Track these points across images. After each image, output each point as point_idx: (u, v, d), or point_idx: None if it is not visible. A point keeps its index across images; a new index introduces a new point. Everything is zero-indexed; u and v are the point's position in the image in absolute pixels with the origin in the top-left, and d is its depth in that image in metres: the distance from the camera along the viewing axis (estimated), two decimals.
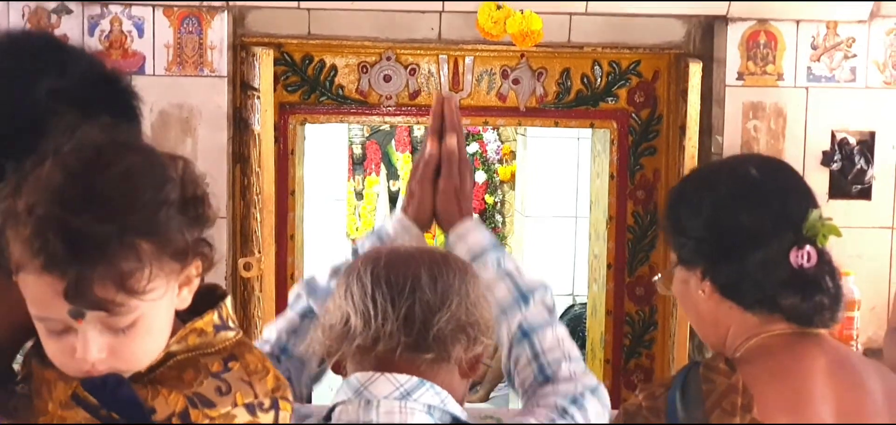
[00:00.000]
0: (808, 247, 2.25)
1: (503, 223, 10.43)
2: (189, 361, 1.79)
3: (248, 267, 4.75)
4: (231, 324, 1.86)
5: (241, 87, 5.12)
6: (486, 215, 10.43)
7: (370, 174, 10.57)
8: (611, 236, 5.52)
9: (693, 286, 2.36)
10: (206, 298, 1.85)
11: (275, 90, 5.12)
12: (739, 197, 2.32)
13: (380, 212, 10.62)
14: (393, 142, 10.69)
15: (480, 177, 10.41)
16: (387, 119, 5.55)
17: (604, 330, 5.61)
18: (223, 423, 1.75)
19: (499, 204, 10.51)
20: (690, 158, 4.81)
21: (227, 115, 4.98)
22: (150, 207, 1.69)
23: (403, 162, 10.61)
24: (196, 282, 1.80)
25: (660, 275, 2.58)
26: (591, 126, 5.50)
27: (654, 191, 5.47)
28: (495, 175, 10.47)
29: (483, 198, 10.43)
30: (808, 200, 2.34)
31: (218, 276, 4.86)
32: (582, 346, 7.15)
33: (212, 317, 1.83)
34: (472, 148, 10.38)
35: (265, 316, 4.70)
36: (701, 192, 2.37)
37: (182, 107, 4.95)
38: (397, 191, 10.61)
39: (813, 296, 2.26)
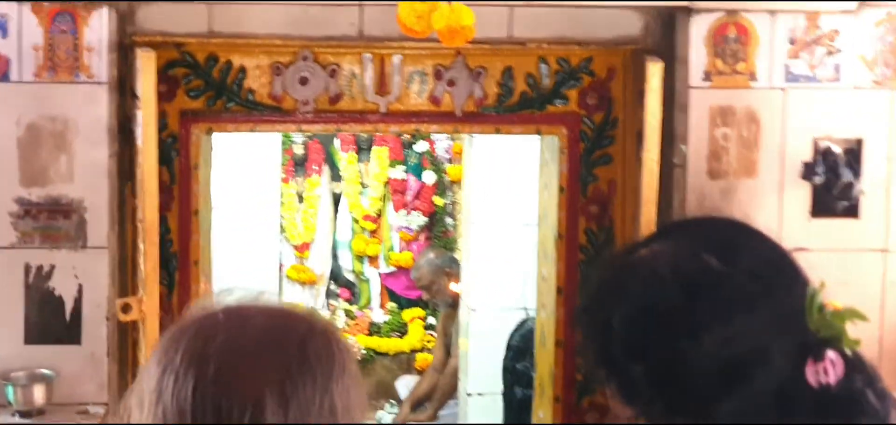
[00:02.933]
0: (828, 354, 1.56)
1: (454, 226, 10.10)
2: None
3: (126, 309, 4.11)
4: None
5: (131, 95, 4.51)
6: (436, 218, 10.13)
7: (312, 175, 10.04)
8: (560, 256, 5.12)
9: None
10: None
11: (175, 96, 4.78)
12: (696, 310, 1.60)
13: (322, 216, 10.15)
14: (336, 141, 10.16)
15: (430, 177, 10.12)
16: (304, 127, 5.06)
17: (553, 363, 5.19)
18: None
19: (449, 205, 10.21)
20: (650, 173, 4.29)
21: (107, 128, 4.41)
22: None
23: (348, 162, 10.18)
24: None
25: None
26: (538, 132, 5.11)
27: (610, 205, 5.06)
28: (445, 175, 10.18)
29: (432, 201, 10.12)
30: (798, 276, 1.65)
31: (96, 320, 4.23)
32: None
33: None
34: (421, 146, 10.08)
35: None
36: (642, 311, 1.65)
37: (55, 119, 4.41)
38: (341, 194, 10.19)
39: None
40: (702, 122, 4.61)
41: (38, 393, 4.32)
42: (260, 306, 1.67)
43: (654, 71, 4.43)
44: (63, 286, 4.39)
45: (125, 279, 4.60)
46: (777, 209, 4.63)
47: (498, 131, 5.06)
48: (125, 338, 4.60)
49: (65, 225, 4.33)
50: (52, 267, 4.37)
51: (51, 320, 4.38)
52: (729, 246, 1.66)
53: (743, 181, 4.60)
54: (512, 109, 4.98)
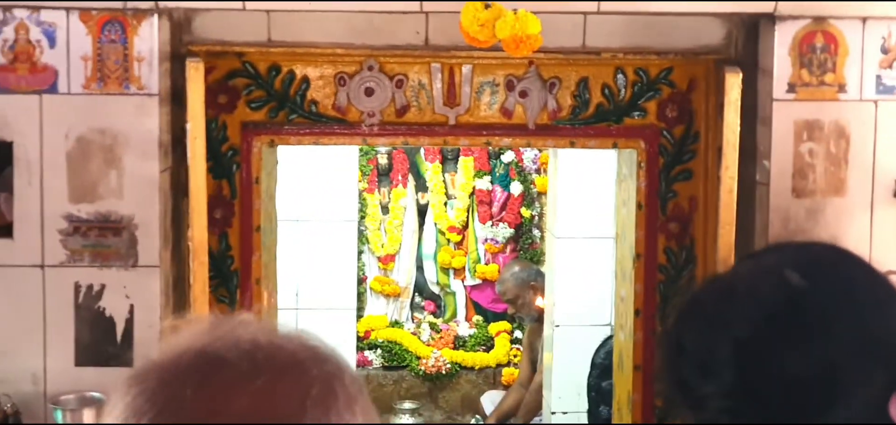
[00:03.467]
0: None
1: (541, 238, 9.92)
2: None
3: (175, 330, 3.90)
4: None
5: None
6: (523, 230, 9.97)
7: (397, 186, 9.94)
8: (639, 276, 4.94)
9: None
10: None
11: (236, 107, 4.64)
12: (778, 329, 1.45)
13: (407, 228, 10.04)
14: (422, 151, 10.08)
15: (517, 188, 9.94)
16: (369, 140, 4.89)
17: (632, 389, 5.02)
18: None
19: (537, 217, 10.03)
20: (728, 192, 4.04)
21: (159, 141, 4.24)
22: None
23: (433, 172, 10.05)
24: None
25: None
26: (615, 146, 4.93)
27: (690, 223, 4.85)
28: (533, 186, 10.00)
29: (519, 212, 9.94)
30: (891, 299, 1.48)
31: (149, 341, 4.08)
32: None
33: None
34: (508, 157, 9.91)
35: None
36: (715, 329, 1.51)
37: (104, 132, 4.25)
38: (426, 204, 10.07)
39: None
40: (786, 137, 4.36)
41: (88, 417, 4.17)
42: (252, 358, 1.25)
43: (733, 82, 4.20)
44: (114, 306, 4.23)
45: (181, 299, 4.45)
46: (867, 230, 4.35)
47: (572, 145, 4.88)
48: None
49: (115, 242, 4.17)
50: (103, 286, 4.21)
51: (101, 341, 4.23)
52: (816, 266, 1.53)
53: (830, 200, 4.31)
54: (587, 122, 4.80)
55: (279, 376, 1.24)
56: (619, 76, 4.75)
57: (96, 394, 4.22)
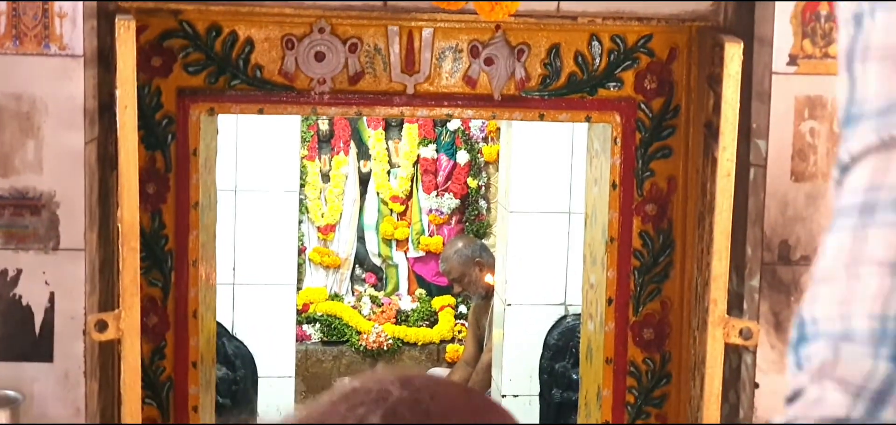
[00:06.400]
0: None
1: (488, 210, 9.86)
2: None
3: (101, 326, 3.49)
4: None
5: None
6: (469, 201, 9.83)
7: (338, 153, 9.74)
8: (611, 262, 4.64)
9: None
10: None
11: (171, 71, 4.31)
12: None
13: (349, 197, 9.85)
14: (364, 117, 9.67)
15: (463, 157, 9.82)
16: (320, 110, 4.57)
17: (602, 383, 4.70)
18: None
19: (483, 187, 9.93)
20: (725, 175, 3.67)
21: (84, 109, 3.80)
22: None
23: (375, 140, 9.89)
24: None
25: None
26: (588, 119, 4.62)
27: (669, 205, 4.57)
28: (480, 155, 9.88)
29: (465, 182, 9.82)
30: None
31: (71, 334, 3.65)
32: (575, 363, 6.34)
33: None
34: (454, 124, 9.75)
35: (127, 394, 3.45)
36: None
37: (21, 97, 3.76)
38: (369, 173, 9.89)
39: None
40: (786, 115, 4.01)
41: (3, 419, 3.73)
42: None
43: (733, 53, 3.83)
44: (31, 294, 3.75)
45: (108, 286, 4.01)
46: None
47: (542, 118, 4.58)
48: (108, 354, 4.00)
49: (33, 222, 3.70)
50: (19, 271, 3.73)
51: (17, 334, 3.75)
52: None
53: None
54: (559, 93, 4.50)
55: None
56: (594, 43, 4.45)
57: (11, 393, 3.77)
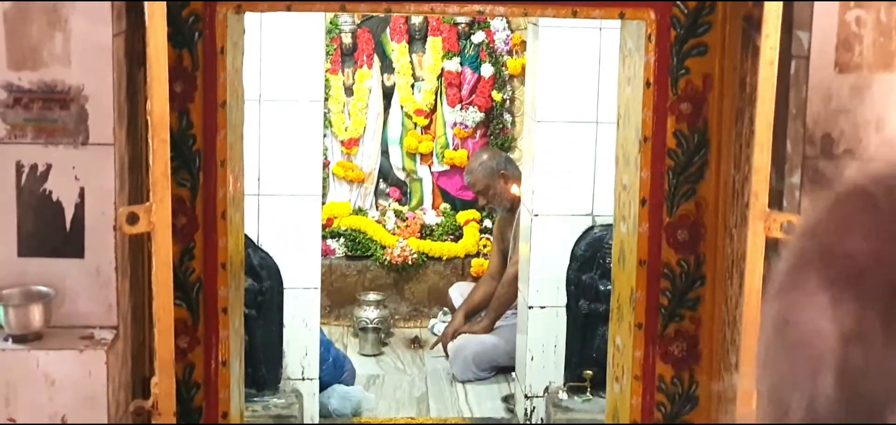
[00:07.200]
0: None
1: (513, 123, 9.65)
2: None
3: (133, 219, 3.42)
4: None
5: None
6: (493, 114, 9.61)
7: (361, 67, 9.53)
8: (645, 162, 4.51)
9: None
10: None
11: None
12: None
13: (372, 110, 9.65)
14: (388, 30, 9.67)
15: (487, 70, 9.57)
16: (348, 7, 4.43)
17: (635, 286, 4.59)
18: None
19: (508, 101, 9.68)
20: (769, 64, 3.53)
21: (111, 1, 3.64)
22: None
23: (399, 53, 9.64)
24: None
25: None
26: (621, 16, 4.46)
27: (704, 103, 4.41)
28: (504, 68, 9.60)
29: (490, 96, 9.58)
30: None
31: (102, 229, 3.58)
32: (604, 275, 6.42)
33: None
34: (478, 37, 9.52)
35: (159, 288, 3.39)
36: None
37: None
38: (392, 86, 9.67)
39: None
40: (830, 3, 3.80)
41: (35, 315, 3.67)
42: None
43: None
44: (62, 189, 3.67)
45: (137, 182, 3.93)
46: None
47: (574, 14, 4.40)
48: (140, 249, 3.94)
49: (62, 116, 3.62)
50: (49, 166, 3.65)
51: (48, 229, 3.68)
52: None
53: (878, 76, 3.74)
54: None
55: None
56: None
57: (43, 289, 3.71)
